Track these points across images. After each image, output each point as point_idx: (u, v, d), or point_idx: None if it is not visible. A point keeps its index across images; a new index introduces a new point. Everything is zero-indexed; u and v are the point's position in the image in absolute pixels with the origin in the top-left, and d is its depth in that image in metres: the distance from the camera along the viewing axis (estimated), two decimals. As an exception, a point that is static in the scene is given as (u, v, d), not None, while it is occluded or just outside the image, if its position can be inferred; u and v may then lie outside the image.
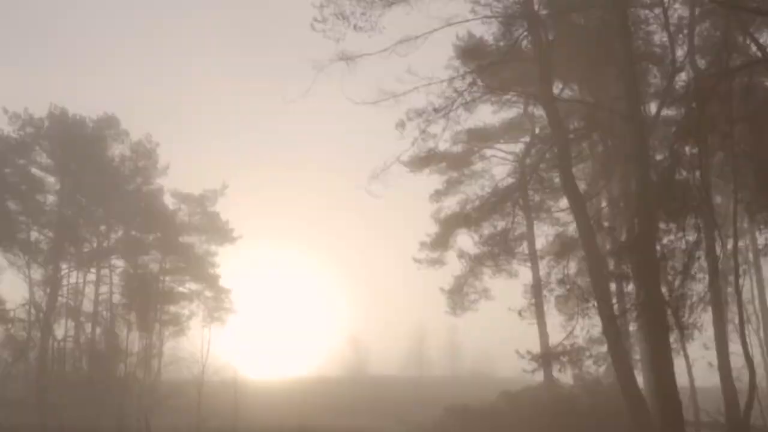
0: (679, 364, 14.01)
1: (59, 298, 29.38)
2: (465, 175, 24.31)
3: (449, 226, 22.78)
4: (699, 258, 11.86)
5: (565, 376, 18.22)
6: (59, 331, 29.52)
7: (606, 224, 16.11)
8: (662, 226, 11.88)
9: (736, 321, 15.42)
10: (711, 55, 14.83)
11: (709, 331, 16.43)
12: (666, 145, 13.06)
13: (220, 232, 32.28)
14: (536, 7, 16.44)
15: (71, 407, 24.85)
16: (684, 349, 15.75)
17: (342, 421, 23.35)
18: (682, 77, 15.17)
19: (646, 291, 11.88)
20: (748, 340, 11.85)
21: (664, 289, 11.83)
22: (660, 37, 17.00)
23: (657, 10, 15.99)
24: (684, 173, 11.59)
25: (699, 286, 11.86)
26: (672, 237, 11.76)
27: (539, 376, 19.21)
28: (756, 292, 28.41)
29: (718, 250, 13.04)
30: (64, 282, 30.11)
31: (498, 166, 24.30)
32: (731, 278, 14.35)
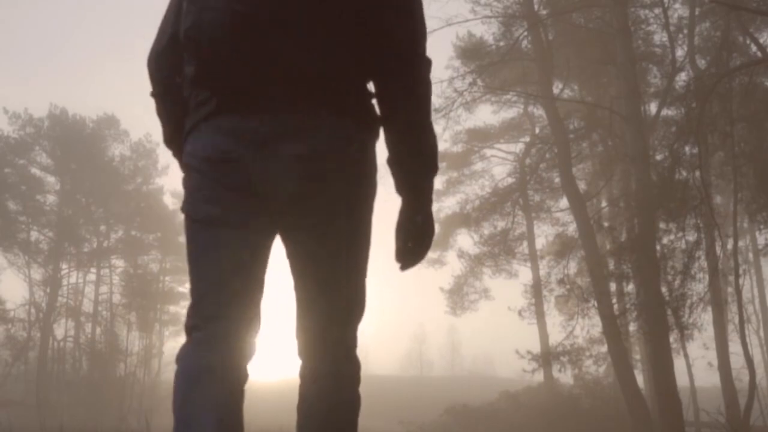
0: (679, 364, 14.02)
1: (59, 298, 29.40)
2: (465, 175, 24.34)
3: (449, 226, 22.81)
4: (699, 258, 11.85)
5: (565, 376, 18.23)
6: (59, 331, 29.55)
7: (606, 224, 16.07)
8: (662, 226, 11.88)
9: (736, 321, 15.42)
10: (711, 55, 14.84)
11: (709, 331, 16.44)
12: (666, 145, 13.04)
13: (220, 232, 32.29)
14: (536, 7, 16.47)
15: (71, 407, 24.88)
16: (684, 349, 15.74)
17: (342, 421, 23.33)
18: (682, 77, 15.18)
19: (646, 291, 11.87)
20: (748, 340, 11.81)
21: (664, 289, 11.82)
22: (660, 37, 17.02)
23: (657, 10, 16.01)
24: (684, 173, 11.58)
25: (699, 286, 11.85)
26: (672, 237, 11.76)
27: (539, 376, 19.22)
28: (756, 292, 28.48)
29: (718, 250, 13.03)
30: (64, 282, 30.15)
31: (498, 166, 24.37)
32: (731, 278, 14.34)
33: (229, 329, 1.55)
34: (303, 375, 1.67)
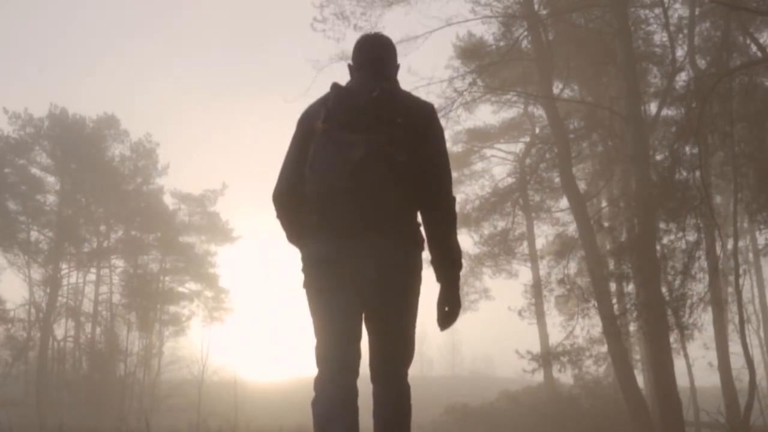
0: (679, 364, 14.01)
1: (59, 298, 29.39)
2: (465, 175, 24.33)
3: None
4: (699, 258, 11.84)
5: (565, 376, 18.22)
6: (59, 331, 29.55)
7: (606, 224, 16.06)
8: (662, 226, 11.87)
9: (737, 321, 15.43)
10: (711, 55, 14.83)
11: (710, 331, 16.45)
12: (666, 145, 13.04)
13: (220, 232, 32.29)
14: (536, 7, 16.45)
15: (71, 407, 24.88)
16: (684, 349, 15.73)
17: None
18: (683, 77, 15.15)
19: (646, 291, 11.87)
20: (748, 340, 11.81)
21: (664, 289, 11.82)
22: (660, 37, 16.99)
23: (657, 10, 15.98)
24: (684, 173, 11.57)
25: (699, 286, 11.84)
26: (672, 237, 11.75)
27: (539, 376, 19.22)
28: (756, 292, 28.49)
29: (718, 250, 13.01)
30: (64, 282, 30.14)
31: (498, 166, 24.34)
32: (731, 278, 14.34)
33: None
34: (376, 392, 2.65)
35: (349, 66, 2.80)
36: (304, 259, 2.63)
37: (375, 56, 2.77)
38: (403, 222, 2.57)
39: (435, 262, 2.66)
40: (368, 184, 2.45)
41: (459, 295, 2.68)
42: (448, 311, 2.66)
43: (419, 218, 2.67)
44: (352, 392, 2.51)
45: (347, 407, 2.46)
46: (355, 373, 2.57)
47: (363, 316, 2.62)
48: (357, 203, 2.46)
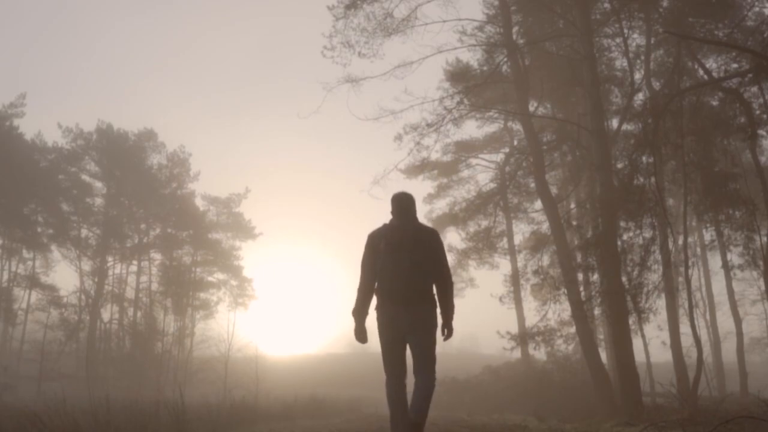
0: (636, 343, 14.00)
1: (105, 286, 29.36)
2: (453, 180, 24.32)
3: (440, 224, 22.79)
4: (654, 252, 11.80)
5: (539, 353, 18.19)
6: (105, 315, 29.50)
7: (574, 223, 16.02)
8: (622, 224, 11.85)
9: (686, 306, 15.42)
10: (664, 77, 14.82)
11: (663, 315, 16.42)
12: (626, 155, 13.01)
13: (244, 230, 32.25)
14: (514, 36, 16.45)
15: (115, 380, 24.86)
16: (641, 330, 15.63)
17: (347, 391, 23.33)
18: (640, 97, 15.15)
19: (609, 280, 11.86)
20: (696, 322, 11.80)
21: (624, 279, 11.80)
22: (621, 62, 17.03)
23: (618, 40, 16.01)
24: (641, 179, 11.56)
25: (654, 276, 11.80)
26: (631, 234, 11.73)
27: (517, 353, 19.20)
28: (703, 281, 28.44)
29: (670, 245, 13.00)
30: (110, 272, 30.10)
31: (482, 173, 24.32)
32: (682, 269, 14.33)
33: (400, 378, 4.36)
34: (416, 380, 4.26)
35: (391, 212, 4.49)
36: (377, 316, 4.35)
37: (404, 208, 4.48)
38: (427, 296, 4.31)
39: (442, 312, 4.37)
40: (411, 280, 4.22)
41: (452, 326, 4.42)
42: (446, 334, 4.42)
43: (434, 291, 4.35)
44: (403, 386, 4.23)
45: (400, 395, 4.22)
46: (404, 375, 4.26)
47: (406, 345, 4.27)
48: (405, 290, 4.21)
